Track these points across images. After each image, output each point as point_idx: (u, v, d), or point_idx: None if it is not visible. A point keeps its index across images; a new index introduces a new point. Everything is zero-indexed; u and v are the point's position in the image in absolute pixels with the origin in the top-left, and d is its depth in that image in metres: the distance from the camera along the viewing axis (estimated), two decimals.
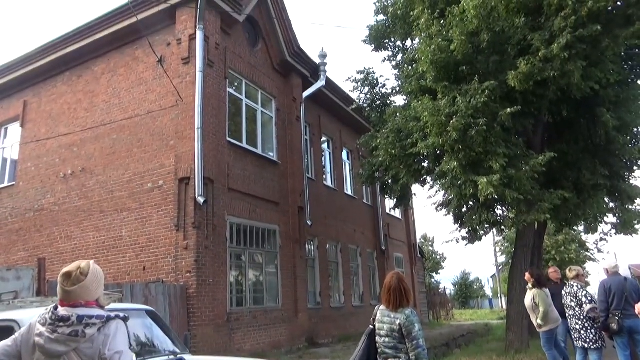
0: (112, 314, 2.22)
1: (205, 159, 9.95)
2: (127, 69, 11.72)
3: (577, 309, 6.87)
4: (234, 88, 12.00)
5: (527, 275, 7.79)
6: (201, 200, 9.66)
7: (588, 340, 6.71)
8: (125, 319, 2.23)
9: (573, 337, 7.02)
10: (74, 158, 12.09)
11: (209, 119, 10.40)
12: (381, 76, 17.89)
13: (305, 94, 14.41)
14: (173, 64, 10.82)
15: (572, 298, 7.01)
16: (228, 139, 11.15)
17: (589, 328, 6.72)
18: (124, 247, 10.51)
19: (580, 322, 6.83)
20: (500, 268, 39.86)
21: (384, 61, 12.90)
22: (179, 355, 4.07)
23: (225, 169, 10.78)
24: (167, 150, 10.51)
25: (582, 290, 6.95)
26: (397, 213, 22.22)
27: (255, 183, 11.80)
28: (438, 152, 9.89)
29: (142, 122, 11.06)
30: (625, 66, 10.33)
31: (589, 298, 6.79)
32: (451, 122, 8.57)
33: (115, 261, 10.39)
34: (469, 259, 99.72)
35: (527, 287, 7.85)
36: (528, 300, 7.66)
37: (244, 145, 11.80)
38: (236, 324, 10.30)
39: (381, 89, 13.47)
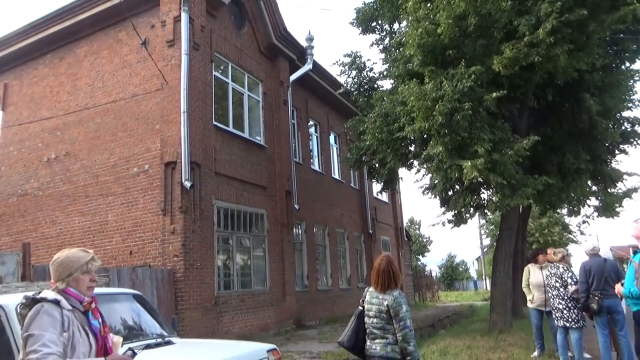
0: (43, 297, 2.14)
1: (191, 143, 9.87)
2: (111, 51, 11.51)
3: (561, 289, 7.08)
4: (220, 71, 11.87)
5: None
6: (188, 184, 9.61)
7: (570, 319, 6.93)
8: (54, 302, 2.11)
9: (555, 316, 7.22)
10: (57, 142, 11.91)
11: (195, 102, 10.29)
12: (368, 60, 17.89)
13: (292, 77, 14.31)
14: (157, 46, 10.65)
15: (557, 279, 7.20)
16: (214, 122, 11.06)
17: (571, 308, 6.93)
18: (110, 231, 10.45)
19: (563, 302, 7.04)
20: (485, 251, 40.49)
21: (372, 45, 12.86)
22: (166, 339, 4.10)
23: (211, 153, 10.72)
24: (152, 134, 10.41)
25: (567, 271, 7.14)
26: (384, 197, 22.36)
27: (243, 167, 11.77)
28: (424, 136, 9.93)
29: (126, 106, 10.91)
30: (611, 51, 10.42)
31: (574, 279, 6.99)
32: (437, 106, 8.60)
33: (101, 246, 10.33)
34: (455, 242, 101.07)
35: (545, 265, 7.88)
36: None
37: (231, 129, 11.72)
38: (224, 307, 10.36)
39: (368, 73, 13.44)
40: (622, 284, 5.12)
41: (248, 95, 12.76)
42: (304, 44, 14.71)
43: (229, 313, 10.46)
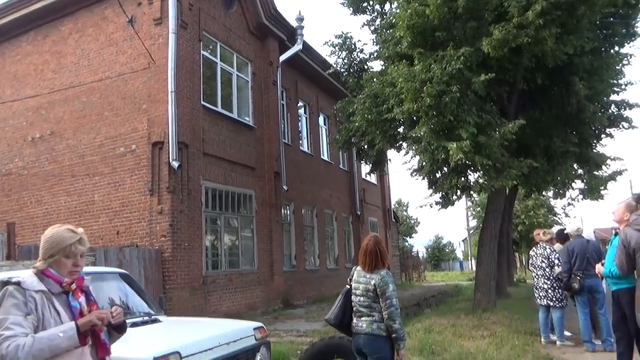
0: (9, 279, 2.12)
1: (179, 123, 9.79)
2: (96, 29, 11.27)
3: (547, 269, 7.25)
4: (209, 51, 11.71)
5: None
6: (175, 164, 9.56)
7: (554, 299, 7.13)
8: (17, 284, 2.06)
9: (538, 295, 7.39)
10: (42, 121, 11.72)
11: (183, 82, 10.17)
12: (359, 41, 17.67)
13: (282, 58, 14.15)
14: (144, 24, 10.45)
15: (542, 259, 7.37)
16: (203, 103, 10.96)
17: (556, 288, 7.13)
18: (97, 211, 10.39)
19: (548, 282, 7.22)
20: (471, 232, 40.99)
21: (362, 26, 12.72)
22: (153, 317, 4.13)
23: (200, 134, 10.64)
24: (139, 114, 10.29)
25: (554, 252, 7.31)
26: (373, 178, 22.44)
27: (231, 148, 11.71)
28: (413, 117, 9.94)
29: (113, 85, 10.75)
30: (600, 35, 10.43)
31: (561, 260, 7.15)
32: (425, 88, 8.60)
33: (87, 225, 10.27)
34: (442, 223, 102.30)
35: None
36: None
37: (219, 109, 11.62)
38: (212, 287, 10.42)
39: (359, 54, 13.33)
40: (602, 264, 5.23)
41: (237, 75, 12.63)
42: (294, 24, 14.53)
43: (216, 292, 10.53)
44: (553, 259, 7.22)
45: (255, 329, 4.01)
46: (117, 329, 2.32)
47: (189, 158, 10.12)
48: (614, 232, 5.39)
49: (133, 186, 10.03)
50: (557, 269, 7.11)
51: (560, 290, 7.10)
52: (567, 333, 7.43)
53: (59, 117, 11.45)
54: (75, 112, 11.22)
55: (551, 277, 7.19)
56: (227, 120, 11.85)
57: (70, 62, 11.53)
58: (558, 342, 7.15)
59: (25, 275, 2.13)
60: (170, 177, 9.61)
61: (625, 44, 10.89)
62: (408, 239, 52.31)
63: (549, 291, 7.18)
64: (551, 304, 7.17)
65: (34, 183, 11.55)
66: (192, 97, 10.52)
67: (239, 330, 3.86)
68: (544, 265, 7.30)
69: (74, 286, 2.20)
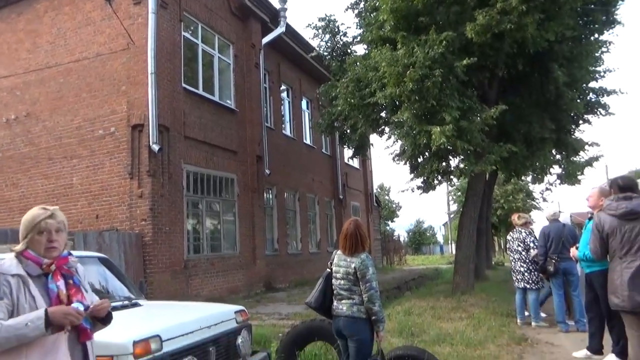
0: None
1: (159, 105, 9.64)
2: (73, 7, 10.96)
3: (523, 253, 7.43)
4: (190, 32, 11.49)
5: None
6: (156, 147, 9.44)
7: (531, 281, 7.32)
8: None
9: (516, 278, 7.58)
10: (17, 102, 11.42)
11: (163, 63, 9.99)
12: (342, 24, 17.58)
13: (265, 40, 13.97)
14: (123, 3, 10.20)
15: (519, 243, 7.55)
16: (183, 85, 10.79)
17: (532, 270, 7.32)
18: (75, 195, 10.22)
19: (525, 265, 7.41)
20: (452, 216, 41.54)
21: (346, 9, 12.61)
22: (133, 301, 4.11)
23: (180, 116, 10.50)
24: (118, 96, 10.10)
25: (529, 236, 7.48)
26: (355, 163, 22.51)
27: (213, 131, 11.59)
28: (395, 102, 9.96)
29: (90, 66, 10.51)
30: (580, 22, 10.52)
31: (536, 244, 7.34)
32: (408, 72, 8.61)
33: (66, 209, 10.11)
34: (423, 208, 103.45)
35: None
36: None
37: (201, 92, 11.46)
38: (193, 271, 10.40)
39: (342, 38, 13.26)
40: (577, 248, 5.37)
41: (219, 57, 12.44)
42: (277, 5, 14.33)
43: (198, 276, 10.51)
44: (528, 242, 7.41)
45: (236, 312, 4.03)
46: (102, 320, 2.23)
47: (169, 141, 9.99)
48: (588, 216, 5.52)
49: (112, 169, 9.88)
50: (533, 252, 7.29)
51: (536, 273, 7.30)
52: (542, 314, 7.65)
53: (35, 99, 11.16)
54: (51, 93, 10.95)
55: (527, 260, 7.38)
56: (209, 103, 11.71)
57: (46, 41, 11.21)
58: (533, 323, 7.36)
59: (5, 258, 2.07)
60: (150, 161, 9.49)
61: (605, 31, 11.02)
62: (390, 223, 52.86)
63: (526, 274, 7.38)
64: (527, 286, 7.36)
65: (9, 166, 11.29)
66: (173, 79, 10.35)
67: (220, 314, 3.86)
68: (520, 249, 7.49)
69: (53, 267, 2.10)
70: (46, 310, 1.94)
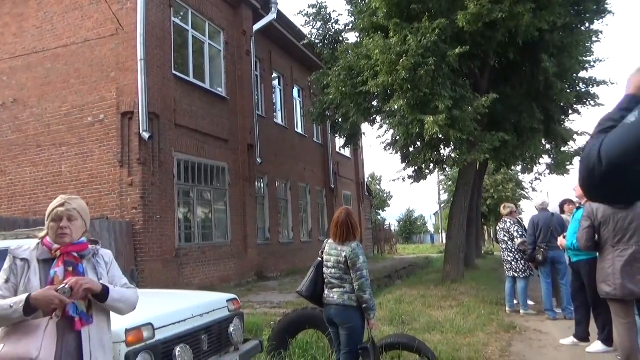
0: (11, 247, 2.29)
1: (149, 92, 9.53)
2: None
3: (509, 242, 7.53)
4: (180, 18, 11.34)
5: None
6: (146, 135, 9.35)
7: (518, 270, 7.41)
8: (4, 251, 2.21)
9: (505, 267, 7.67)
10: (3, 88, 11.22)
11: (153, 50, 9.86)
12: (334, 11, 17.43)
13: (256, 27, 13.83)
14: None
15: (505, 233, 7.63)
16: (174, 72, 10.67)
17: (519, 259, 7.41)
18: (65, 183, 10.12)
19: (511, 255, 7.50)
20: (442, 206, 41.79)
21: None
22: None
23: (171, 104, 10.40)
24: (107, 83, 9.96)
25: (514, 225, 7.56)
26: (347, 152, 22.49)
27: (203, 119, 11.50)
28: (387, 91, 9.95)
29: (79, 51, 10.34)
30: (572, 11, 10.55)
31: (520, 233, 7.45)
32: (401, 61, 8.59)
33: (55, 197, 9.97)
34: (414, 197, 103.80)
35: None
36: None
37: (191, 79, 11.35)
38: (185, 259, 10.38)
39: (334, 25, 13.17)
40: (564, 237, 5.43)
41: (209, 44, 12.30)
42: None
43: (190, 265, 10.50)
44: (512, 232, 7.49)
45: (228, 300, 4.03)
46: (98, 297, 2.18)
47: (160, 129, 9.90)
48: (577, 206, 5.58)
49: (102, 157, 9.79)
50: (517, 241, 7.38)
51: (523, 262, 7.39)
52: (530, 302, 7.76)
53: (22, 84, 10.98)
54: (39, 79, 10.78)
55: (513, 250, 7.47)
56: (200, 91, 11.60)
57: (33, 25, 11.00)
58: (522, 311, 7.46)
59: (30, 242, 2.30)
60: (140, 149, 9.40)
61: (595, 21, 11.05)
62: (381, 212, 53.05)
63: (513, 263, 7.48)
64: (516, 275, 7.46)
65: None
66: (163, 66, 10.23)
67: (212, 302, 3.86)
68: (506, 238, 7.60)
69: (58, 253, 2.19)
70: (29, 295, 2.01)
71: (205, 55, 12.17)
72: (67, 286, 2.04)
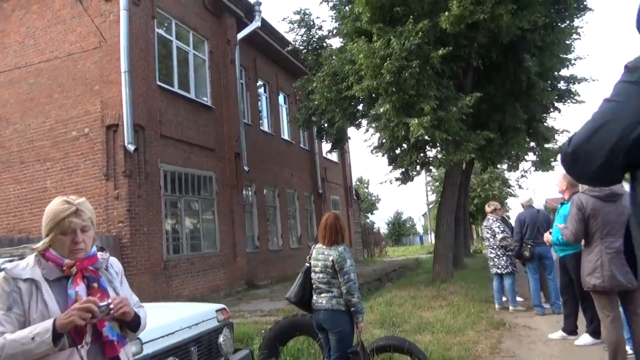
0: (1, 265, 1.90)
1: (134, 104, 9.50)
2: (42, 5, 10.70)
3: (491, 239, 7.62)
4: (164, 29, 11.33)
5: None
6: (131, 147, 9.31)
7: (500, 266, 7.50)
8: (3, 270, 1.78)
9: (488, 265, 7.77)
10: None
11: (137, 61, 9.84)
12: (317, 17, 17.53)
13: (240, 35, 13.85)
14: (94, 1, 10.01)
15: (487, 230, 7.73)
16: (158, 83, 10.65)
17: (501, 255, 7.50)
18: (50, 199, 9.71)
19: (493, 251, 7.60)
20: (430, 206, 42.03)
21: (321, 2, 12.60)
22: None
23: (156, 115, 10.37)
24: (91, 96, 9.92)
25: (495, 222, 7.65)
26: (334, 157, 22.55)
27: (189, 129, 11.48)
28: (372, 94, 10.02)
29: (62, 65, 10.29)
30: (552, 10, 10.72)
31: (501, 229, 7.54)
32: (385, 64, 8.67)
33: (40, 214, 9.72)
34: (402, 199, 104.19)
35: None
36: None
37: (176, 89, 11.33)
38: (174, 271, 10.31)
39: (317, 31, 13.25)
40: (550, 233, 5.51)
41: (194, 54, 12.30)
42: (252, 0, 14.22)
43: (179, 277, 10.44)
44: (494, 228, 7.59)
45: (217, 311, 4.01)
46: (129, 325, 1.88)
47: (145, 141, 9.87)
48: (561, 201, 5.67)
49: (87, 171, 9.72)
50: (499, 237, 7.48)
51: (505, 258, 7.46)
52: (519, 298, 7.84)
53: (4, 101, 10.88)
54: (22, 94, 10.69)
55: (495, 246, 7.56)
56: (185, 101, 11.59)
57: (15, 41, 10.93)
58: (510, 308, 7.54)
59: (26, 259, 1.83)
60: (126, 161, 9.36)
61: (575, 18, 11.22)
62: (369, 215, 53.18)
63: (495, 259, 7.56)
64: (498, 271, 7.54)
65: None
66: (147, 77, 10.21)
67: (200, 313, 3.85)
68: (488, 235, 7.69)
69: (74, 270, 1.81)
70: (54, 321, 1.64)
71: (190, 65, 12.17)
72: (110, 305, 1.73)
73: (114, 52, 9.62)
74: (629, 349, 4.26)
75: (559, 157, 11.62)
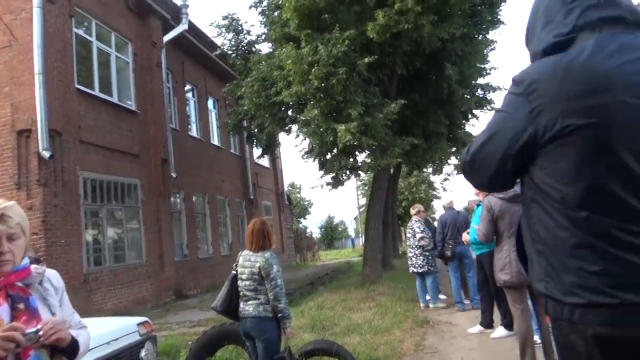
0: None
1: (49, 108, 8.91)
2: None
3: (411, 239, 7.94)
4: (83, 29, 10.75)
5: None
6: (47, 154, 8.73)
7: (417, 265, 7.83)
8: None
9: (408, 264, 8.09)
10: None
11: (53, 62, 9.26)
12: (246, 22, 17.43)
13: (166, 38, 13.43)
14: None
15: (409, 230, 8.07)
16: (77, 85, 10.07)
17: (418, 255, 7.84)
18: None
19: (412, 251, 7.94)
20: (361, 210, 42.92)
21: (250, 7, 12.55)
22: None
23: (75, 120, 9.80)
24: (1, 99, 9.19)
25: (417, 222, 8.00)
26: (265, 162, 22.46)
27: (112, 134, 10.95)
28: (301, 100, 10.12)
29: None
30: (470, 22, 11.38)
31: (421, 229, 7.87)
32: (313, 70, 8.79)
33: None
34: (334, 203, 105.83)
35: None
36: None
37: (97, 93, 10.77)
38: (95, 285, 9.77)
39: (246, 36, 13.18)
40: (468, 233, 5.82)
41: (116, 56, 11.77)
42: (179, 2, 13.86)
43: (100, 290, 9.90)
44: (415, 229, 7.93)
45: (139, 324, 3.87)
46: (64, 352, 1.59)
47: (62, 147, 9.29)
48: (477, 203, 6.02)
49: None
50: (418, 236, 7.82)
51: (422, 257, 7.80)
52: (441, 296, 8.22)
53: None
54: None
55: (414, 246, 7.89)
56: (107, 105, 11.05)
57: None
58: (431, 305, 7.88)
59: None
60: (40, 169, 8.76)
61: (490, 30, 12.01)
62: (302, 220, 53.41)
63: (413, 259, 7.91)
64: (415, 270, 7.87)
65: None
66: (65, 80, 9.63)
67: (120, 328, 3.69)
68: (409, 236, 8.04)
69: None
70: None
71: (112, 67, 11.63)
72: (40, 331, 1.46)
73: (27, 51, 8.99)
74: (537, 338, 4.58)
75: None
